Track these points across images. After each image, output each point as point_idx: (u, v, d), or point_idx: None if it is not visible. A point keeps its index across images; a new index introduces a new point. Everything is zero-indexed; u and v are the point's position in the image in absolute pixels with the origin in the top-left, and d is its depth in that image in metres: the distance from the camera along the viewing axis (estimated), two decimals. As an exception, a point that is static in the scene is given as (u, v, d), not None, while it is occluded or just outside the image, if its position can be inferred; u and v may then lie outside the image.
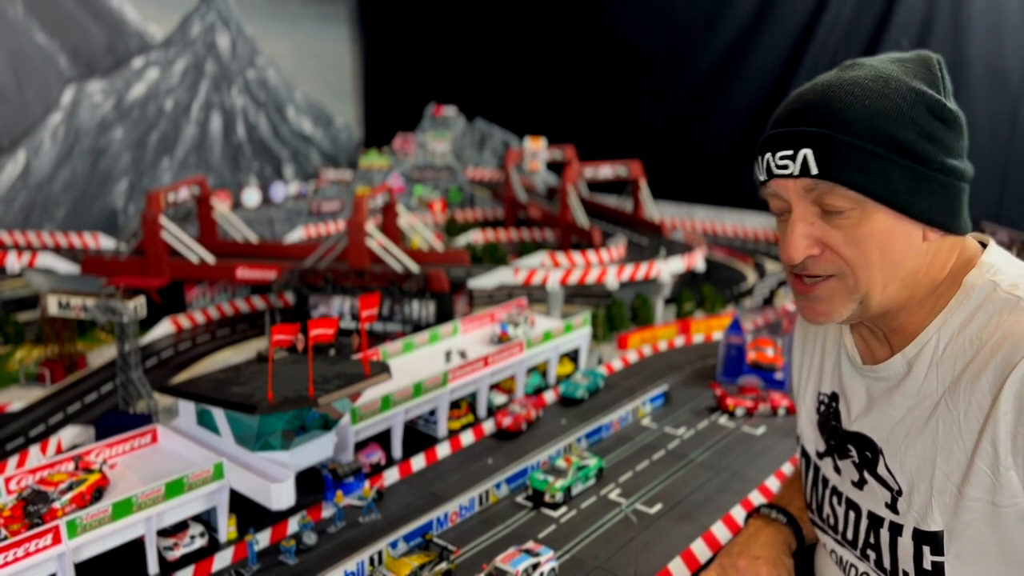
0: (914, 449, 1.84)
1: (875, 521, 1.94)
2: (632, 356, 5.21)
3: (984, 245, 1.88)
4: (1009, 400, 1.60)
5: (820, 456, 2.18)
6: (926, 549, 1.77)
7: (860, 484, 2.00)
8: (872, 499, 1.96)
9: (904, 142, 1.71)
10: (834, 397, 2.13)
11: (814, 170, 1.71)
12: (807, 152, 1.73)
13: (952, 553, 1.73)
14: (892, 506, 1.88)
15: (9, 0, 7.60)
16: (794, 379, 2.27)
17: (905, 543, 1.83)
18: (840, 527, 2.10)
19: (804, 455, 2.26)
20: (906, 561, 1.83)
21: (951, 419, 1.74)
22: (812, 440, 2.21)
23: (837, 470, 2.10)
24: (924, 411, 1.81)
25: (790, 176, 1.78)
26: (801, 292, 1.82)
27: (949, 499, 1.73)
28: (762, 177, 1.82)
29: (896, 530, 1.85)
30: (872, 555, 1.94)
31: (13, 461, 3.68)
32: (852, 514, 2.02)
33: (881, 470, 1.91)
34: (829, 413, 2.15)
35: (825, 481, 2.16)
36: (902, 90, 1.73)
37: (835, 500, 2.11)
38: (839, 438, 2.08)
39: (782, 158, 1.74)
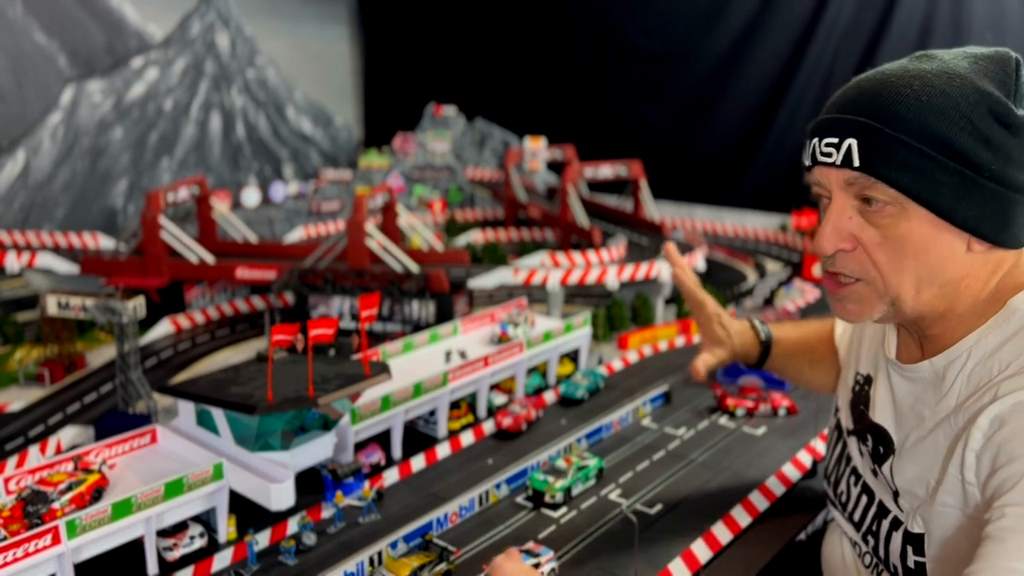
0: (913, 456, 1.86)
1: (882, 511, 1.97)
2: (632, 356, 5.20)
3: None
4: (988, 417, 1.60)
5: (849, 433, 2.21)
6: (910, 548, 1.80)
7: (875, 473, 2.03)
8: (882, 490, 1.99)
9: (957, 144, 1.64)
10: (868, 380, 2.15)
11: (856, 162, 1.66)
12: (852, 142, 1.66)
13: (931, 557, 1.76)
14: (895, 502, 1.91)
15: (9, 0, 7.59)
16: (842, 352, 2.28)
17: (896, 538, 1.87)
18: (850, 507, 2.13)
19: (837, 427, 2.28)
20: (895, 556, 1.87)
21: (950, 432, 1.75)
22: (845, 416, 2.24)
23: (860, 452, 2.13)
24: (934, 423, 1.81)
25: (832, 165, 1.76)
26: (831, 290, 1.80)
27: (928, 504, 1.76)
28: (807, 162, 1.80)
29: (895, 525, 1.88)
30: (871, 541, 1.98)
31: (12, 461, 3.68)
32: (865, 498, 2.06)
33: (886, 468, 1.94)
34: (860, 395, 2.17)
35: (848, 459, 2.20)
36: (966, 89, 1.64)
37: (852, 480, 2.15)
38: (863, 424, 2.11)
39: (827, 145, 1.68)
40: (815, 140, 1.71)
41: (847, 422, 2.17)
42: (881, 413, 1.96)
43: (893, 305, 1.75)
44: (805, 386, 2.94)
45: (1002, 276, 1.72)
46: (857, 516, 2.00)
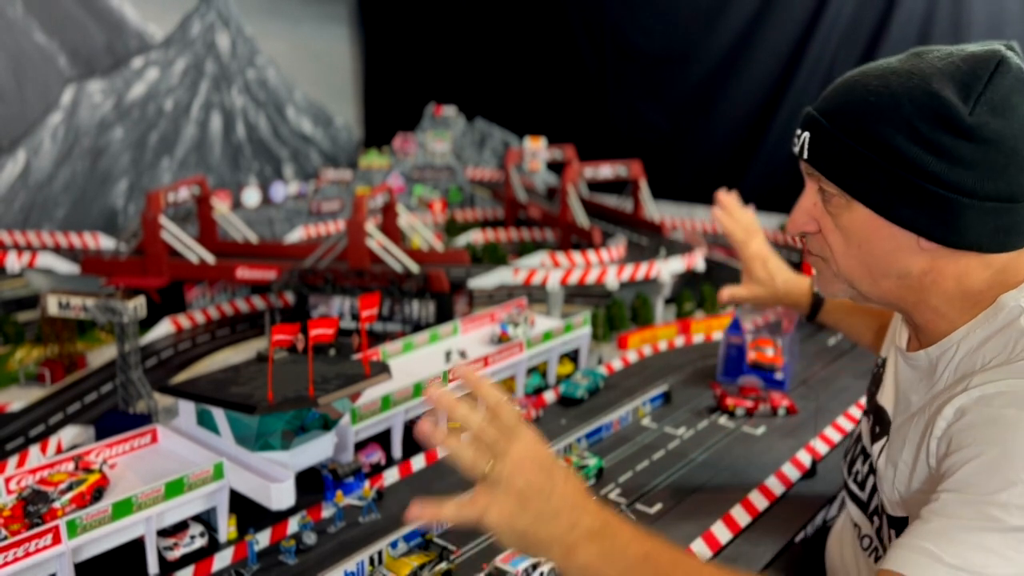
0: (896, 440, 1.91)
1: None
2: (632, 356, 5.21)
3: None
4: (953, 407, 1.64)
5: (865, 413, 2.29)
6: (893, 532, 1.84)
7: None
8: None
9: (895, 146, 1.68)
10: (883, 364, 2.22)
11: (805, 154, 1.78)
12: (806, 135, 1.79)
13: None
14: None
15: (9, 0, 7.59)
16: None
17: (886, 520, 1.92)
18: (860, 485, 2.19)
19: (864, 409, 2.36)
20: (889, 538, 1.91)
21: (922, 420, 1.79)
22: (866, 397, 2.34)
23: (868, 432, 2.21)
24: (916, 409, 1.87)
25: (797, 154, 1.84)
26: (809, 262, 1.92)
27: (907, 488, 1.81)
28: None
29: (884, 507, 1.93)
30: (876, 521, 2.03)
31: (13, 461, 3.68)
32: (872, 479, 2.10)
33: (875, 447, 2.00)
34: (876, 377, 2.25)
35: (860, 437, 2.27)
36: (916, 92, 1.68)
37: (862, 459, 2.21)
38: (871, 405, 2.18)
39: (796, 135, 1.83)
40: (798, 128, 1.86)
41: (865, 403, 2.23)
42: (886, 395, 2.02)
43: (852, 287, 1.83)
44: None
45: (994, 274, 1.72)
46: (865, 496, 2.04)
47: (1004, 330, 1.65)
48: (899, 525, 1.79)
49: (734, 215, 3.11)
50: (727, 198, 3.16)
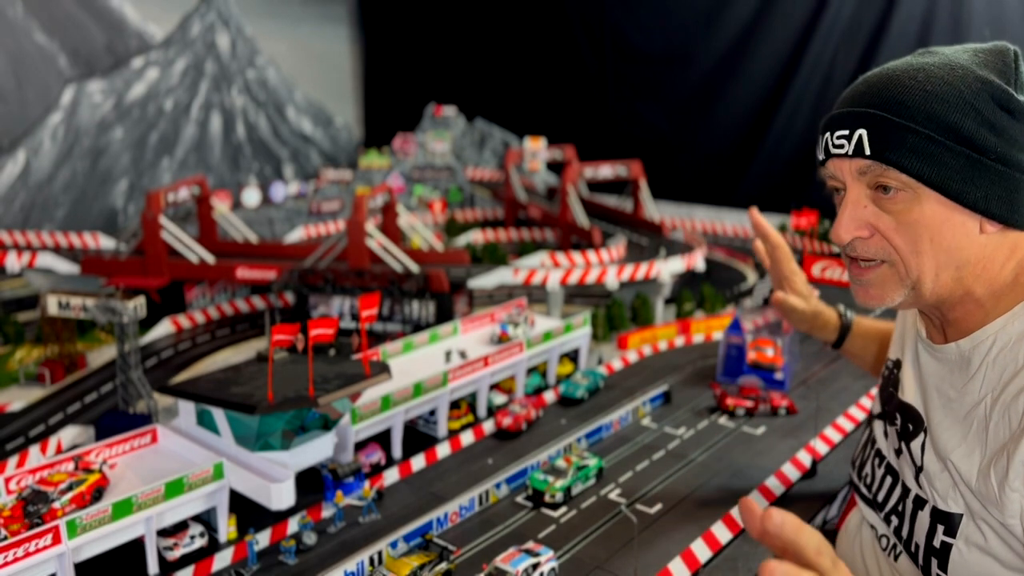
0: (949, 434, 1.89)
1: (905, 490, 2.01)
2: (632, 356, 5.21)
3: None
4: None
5: (876, 418, 2.26)
6: (940, 528, 1.84)
7: (898, 452, 2.06)
8: (906, 468, 2.03)
9: (963, 129, 1.70)
10: (897, 364, 2.19)
11: (867, 151, 1.71)
12: (862, 132, 1.72)
13: (962, 538, 1.79)
14: (916, 480, 1.95)
15: (9, 0, 7.60)
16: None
17: (923, 517, 1.91)
18: (874, 489, 2.18)
19: (869, 414, 2.33)
20: (920, 534, 1.90)
21: (983, 424, 1.78)
22: (875, 401, 2.30)
23: (885, 434, 2.18)
24: (965, 406, 1.86)
25: (845, 156, 1.75)
26: (855, 275, 1.83)
27: (964, 493, 1.79)
28: (820, 156, 1.81)
29: (919, 503, 1.92)
30: (895, 521, 2.01)
31: (13, 461, 3.68)
32: (889, 479, 2.09)
33: (915, 445, 1.97)
34: (890, 379, 2.22)
35: (873, 442, 2.24)
36: (968, 78, 1.72)
37: (876, 462, 2.20)
38: (892, 405, 2.15)
39: (839, 138, 1.75)
40: (827, 135, 1.76)
41: (875, 407, 2.21)
42: (910, 392, 2.01)
43: (913, 289, 1.78)
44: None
45: (1019, 260, 1.76)
46: (881, 496, 2.03)
47: None
48: (947, 521, 1.76)
49: (768, 235, 2.94)
50: (759, 218, 3.02)
